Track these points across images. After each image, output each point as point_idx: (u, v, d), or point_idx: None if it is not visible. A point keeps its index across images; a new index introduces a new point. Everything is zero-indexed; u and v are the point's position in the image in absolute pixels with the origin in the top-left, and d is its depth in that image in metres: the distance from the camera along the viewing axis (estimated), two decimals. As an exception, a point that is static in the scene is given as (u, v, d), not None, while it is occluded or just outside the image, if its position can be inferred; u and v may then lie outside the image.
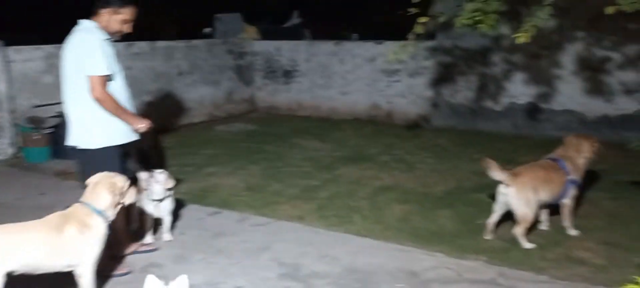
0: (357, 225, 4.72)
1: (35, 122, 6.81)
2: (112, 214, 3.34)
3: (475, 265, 3.92)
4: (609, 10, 4.11)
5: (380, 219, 4.83)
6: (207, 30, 11.28)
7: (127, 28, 3.82)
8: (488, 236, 4.35)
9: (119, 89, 3.80)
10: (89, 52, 3.62)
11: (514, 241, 4.28)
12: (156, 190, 4.15)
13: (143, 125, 3.83)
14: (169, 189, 4.23)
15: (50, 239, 3.06)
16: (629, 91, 7.72)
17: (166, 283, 2.62)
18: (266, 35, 11.36)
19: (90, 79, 3.61)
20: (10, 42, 7.03)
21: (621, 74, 7.72)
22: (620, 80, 7.74)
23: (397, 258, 4.02)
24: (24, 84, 7.10)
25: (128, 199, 3.49)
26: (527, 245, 4.17)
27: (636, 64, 7.60)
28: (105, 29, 3.74)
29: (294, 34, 11.39)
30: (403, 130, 8.74)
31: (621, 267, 3.82)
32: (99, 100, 3.63)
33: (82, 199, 3.29)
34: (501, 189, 4.20)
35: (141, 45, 8.63)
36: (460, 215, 4.91)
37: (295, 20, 12.53)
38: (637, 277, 1.68)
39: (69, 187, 5.43)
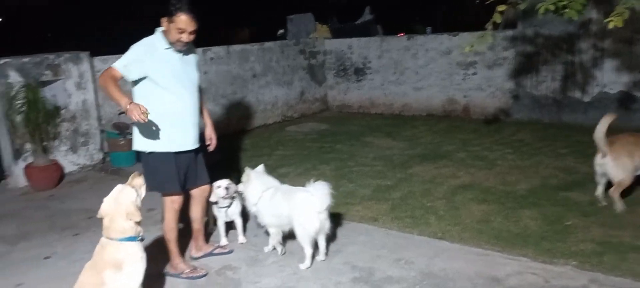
0: (433, 226, 4.53)
1: (120, 128, 7.14)
2: (139, 230, 3.14)
3: (564, 270, 3.63)
4: None
5: (457, 220, 4.62)
6: (280, 31, 11.39)
7: (185, 38, 3.60)
8: (602, 203, 4.65)
9: (176, 100, 3.70)
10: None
11: (607, 244, 3.94)
12: (221, 199, 4.27)
13: (133, 111, 3.39)
14: (233, 197, 4.31)
15: None
16: None
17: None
18: (338, 33, 11.33)
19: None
20: (95, 52, 7.41)
21: None
22: None
23: (477, 262, 3.81)
24: (109, 92, 7.41)
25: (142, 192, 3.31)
26: (620, 206, 4.47)
27: None
28: (167, 36, 3.66)
29: (365, 31, 11.25)
30: (481, 125, 8.39)
31: None
32: (100, 86, 3.58)
33: (105, 234, 3.10)
34: (597, 160, 4.55)
35: (217, 50, 8.87)
36: (547, 215, 4.59)
37: (367, 16, 12.40)
38: None
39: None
